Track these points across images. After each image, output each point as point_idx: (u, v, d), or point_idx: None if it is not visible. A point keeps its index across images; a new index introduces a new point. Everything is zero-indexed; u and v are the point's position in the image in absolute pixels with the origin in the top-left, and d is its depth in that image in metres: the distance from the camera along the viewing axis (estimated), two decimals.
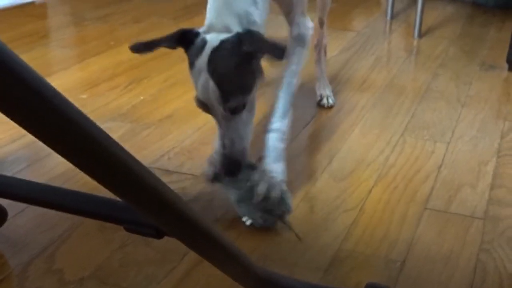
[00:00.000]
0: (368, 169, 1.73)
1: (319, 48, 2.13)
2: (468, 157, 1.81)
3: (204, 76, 1.29)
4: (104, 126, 1.97)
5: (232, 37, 1.31)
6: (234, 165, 1.36)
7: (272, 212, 1.41)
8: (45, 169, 1.69)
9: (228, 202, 1.53)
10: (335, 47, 2.81)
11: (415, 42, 2.99)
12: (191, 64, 1.33)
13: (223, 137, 1.35)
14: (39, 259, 1.34)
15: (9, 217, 1.43)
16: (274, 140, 1.48)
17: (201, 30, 1.36)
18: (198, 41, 1.33)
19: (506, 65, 2.56)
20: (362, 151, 1.83)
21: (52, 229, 1.44)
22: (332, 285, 1.22)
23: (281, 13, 1.64)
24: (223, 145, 1.35)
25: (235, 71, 1.30)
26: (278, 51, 1.24)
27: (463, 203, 1.56)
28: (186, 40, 1.34)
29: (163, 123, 2.03)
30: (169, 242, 1.27)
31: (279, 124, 1.50)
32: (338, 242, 1.40)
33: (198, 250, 0.92)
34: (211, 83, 1.28)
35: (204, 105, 1.35)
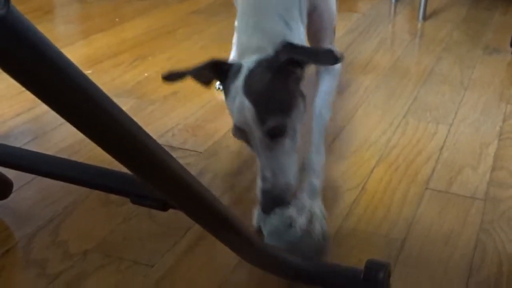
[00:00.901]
0: (370, 149, 1.74)
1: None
2: (470, 139, 1.82)
3: (239, 98, 1.20)
4: None
5: (268, 55, 1.23)
6: (276, 202, 1.21)
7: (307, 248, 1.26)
8: (51, 142, 1.71)
9: (231, 179, 1.55)
10: (339, 28, 2.81)
11: (419, 25, 2.99)
12: (227, 92, 1.25)
13: (263, 169, 1.22)
14: (44, 231, 1.36)
15: (14, 189, 1.45)
16: (311, 178, 1.35)
17: (233, 55, 1.27)
18: (233, 67, 1.24)
19: (510, 49, 2.56)
20: (365, 131, 1.85)
21: (57, 202, 1.45)
22: (333, 262, 1.23)
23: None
24: (264, 178, 1.21)
25: (271, 88, 1.21)
26: (326, 55, 1.18)
27: (464, 184, 1.58)
28: (219, 70, 1.27)
29: (168, 100, 2.04)
30: (173, 217, 1.30)
31: (314, 159, 1.38)
32: (339, 221, 1.41)
33: (202, 223, 0.93)
34: (247, 103, 1.18)
35: (241, 132, 1.23)
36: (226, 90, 1.26)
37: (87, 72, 2.22)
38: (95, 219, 1.40)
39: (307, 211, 1.25)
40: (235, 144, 1.76)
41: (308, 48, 1.22)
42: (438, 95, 2.13)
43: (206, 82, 1.30)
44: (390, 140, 1.80)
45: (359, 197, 1.50)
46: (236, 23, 1.53)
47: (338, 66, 1.51)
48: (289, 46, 1.21)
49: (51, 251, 1.30)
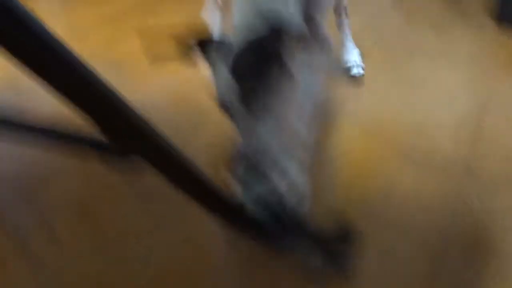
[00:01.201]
0: (349, 119, 1.74)
1: (339, 11, 1.99)
2: (451, 110, 1.82)
3: (227, 77, 1.24)
4: None
5: (259, 36, 1.24)
6: (251, 169, 1.23)
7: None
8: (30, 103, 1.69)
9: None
10: None
11: None
12: (214, 68, 1.28)
13: (244, 146, 1.25)
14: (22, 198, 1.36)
15: None
16: (299, 150, 1.33)
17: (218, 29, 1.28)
18: (224, 45, 1.27)
19: (491, 20, 2.53)
20: (349, 101, 1.84)
21: (36, 169, 1.45)
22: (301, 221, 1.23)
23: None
24: (244, 155, 1.24)
25: (256, 69, 1.24)
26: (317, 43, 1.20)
27: (443, 155, 1.58)
28: (208, 47, 1.29)
29: (149, 74, 2.03)
30: (151, 182, 1.30)
31: (303, 134, 1.36)
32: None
33: (167, 175, 0.94)
34: (233, 83, 1.23)
35: (226, 108, 1.27)
36: (214, 66, 1.28)
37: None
38: (73, 186, 1.40)
39: (291, 180, 1.25)
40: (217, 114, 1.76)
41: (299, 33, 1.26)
42: (421, 70, 2.12)
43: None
44: (370, 111, 1.80)
45: (339, 166, 1.50)
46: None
47: (326, 36, 1.52)
48: (279, 30, 1.23)
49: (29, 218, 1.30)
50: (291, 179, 1.26)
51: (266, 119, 1.25)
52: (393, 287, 1.13)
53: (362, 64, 1.97)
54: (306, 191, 1.28)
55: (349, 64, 1.97)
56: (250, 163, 1.23)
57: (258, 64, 1.24)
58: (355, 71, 1.96)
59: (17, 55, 0.61)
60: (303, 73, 1.45)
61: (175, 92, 1.92)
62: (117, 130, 0.79)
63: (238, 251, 1.24)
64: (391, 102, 1.86)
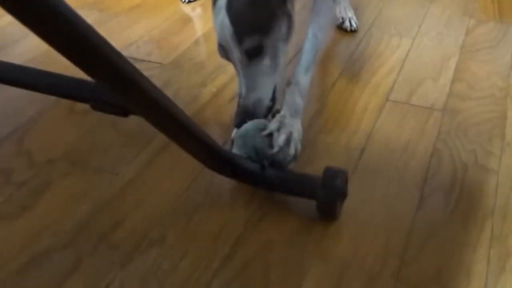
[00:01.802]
0: (333, 62, 1.76)
1: None
2: (432, 52, 1.84)
3: (222, 17, 1.22)
4: None
5: None
6: (247, 116, 1.24)
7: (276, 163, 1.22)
8: (14, 54, 1.69)
9: (195, 91, 1.57)
10: None
11: None
12: (214, 5, 1.27)
13: (240, 86, 1.25)
14: (8, 141, 1.37)
15: None
16: (294, 94, 1.31)
17: None
18: None
19: None
20: (328, 44, 1.85)
21: (21, 112, 1.46)
22: (292, 170, 1.26)
23: None
24: (239, 95, 1.25)
25: (251, 7, 1.22)
26: None
27: (424, 96, 1.61)
28: None
29: (132, 12, 2.02)
30: (137, 126, 1.32)
31: (301, 79, 1.35)
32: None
33: (162, 129, 0.95)
34: (227, 22, 1.21)
35: (223, 50, 1.26)
36: (213, 7, 1.27)
37: None
38: (59, 129, 1.42)
39: (287, 130, 1.23)
40: (199, 56, 1.77)
41: None
42: (403, 9, 2.13)
43: None
44: (352, 54, 1.81)
45: (320, 110, 1.52)
46: None
47: None
48: None
49: (16, 160, 1.31)
50: (290, 130, 1.26)
51: (264, 62, 1.25)
52: (373, 231, 1.16)
53: (355, 19, 1.97)
54: (301, 142, 1.30)
55: (341, 21, 1.96)
56: (243, 109, 1.25)
57: (256, 1, 1.23)
58: (347, 23, 1.95)
59: None
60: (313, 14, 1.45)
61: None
62: (103, 75, 0.79)
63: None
64: (374, 47, 1.87)
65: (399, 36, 1.92)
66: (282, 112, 1.26)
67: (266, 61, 1.25)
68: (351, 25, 1.94)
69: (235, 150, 1.23)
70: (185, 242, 1.11)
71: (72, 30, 0.67)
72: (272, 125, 1.21)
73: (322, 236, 1.14)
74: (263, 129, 1.21)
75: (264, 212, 1.19)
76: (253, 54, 1.23)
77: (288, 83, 1.34)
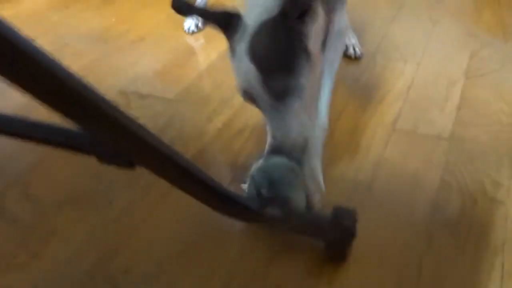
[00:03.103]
0: (339, 91, 1.75)
1: None
2: (437, 77, 1.83)
3: (244, 62, 1.21)
4: (76, 49, 1.97)
5: (274, 14, 1.21)
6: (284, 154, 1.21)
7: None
8: (7, 100, 1.68)
9: (200, 126, 1.57)
10: None
11: None
12: (232, 50, 1.25)
13: (273, 130, 1.22)
14: (15, 185, 1.37)
15: None
16: (316, 138, 1.35)
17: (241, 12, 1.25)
18: (239, 26, 1.23)
19: None
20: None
21: (26, 154, 1.46)
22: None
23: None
24: (274, 137, 1.22)
25: (274, 49, 1.20)
26: None
27: (430, 124, 1.60)
28: (227, 22, 1.25)
29: (137, 45, 2.03)
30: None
31: (320, 121, 1.38)
32: None
33: (170, 181, 0.95)
34: (251, 68, 1.19)
35: (248, 95, 1.24)
36: (232, 48, 1.25)
37: (53, 19, 2.20)
38: (63, 170, 1.42)
39: (318, 185, 1.28)
40: (203, 90, 1.77)
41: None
42: (407, 32, 2.13)
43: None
44: (358, 81, 1.81)
45: (328, 141, 1.51)
46: None
47: (345, 31, 1.55)
48: (297, 7, 1.20)
49: (23, 204, 1.31)
50: (317, 176, 1.29)
51: (292, 101, 1.23)
52: (382, 273, 1.15)
53: (359, 46, 1.97)
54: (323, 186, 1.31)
55: (347, 47, 1.96)
56: (283, 153, 1.22)
57: (278, 44, 1.21)
58: (351, 50, 1.96)
59: None
60: (326, 55, 1.46)
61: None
62: (113, 139, 0.80)
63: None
64: (378, 73, 1.87)
65: (404, 62, 1.92)
66: (312, 165, 1.29)
67: (295, 101, 1.24)
68: (355, 52, 1.94)
69: (250, 183, 1.22)
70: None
71: (69, 91, 0.67)
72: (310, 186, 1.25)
73: (332, 279, 1.13)
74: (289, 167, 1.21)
75: (273, 253, 1.19)
76: (280, 95, 1.22)
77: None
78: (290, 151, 1.21)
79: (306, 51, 1.26)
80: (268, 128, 1.24)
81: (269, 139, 1.24)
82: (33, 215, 1.28)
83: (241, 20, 1.23)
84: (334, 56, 1.49)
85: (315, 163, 1.32)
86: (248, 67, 1.20)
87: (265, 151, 1.24)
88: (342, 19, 1.50)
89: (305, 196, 1.24)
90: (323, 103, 1.41)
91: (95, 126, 0.75)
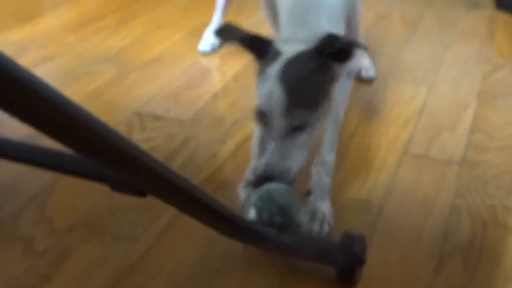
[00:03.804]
0: (350, 113, 1.76)
1: None
2: (449, 100, 1.84)
3: (272, 84, 1.21)
4: (91, 69, 2.00)
5: (310, 49, 1.24)
6: (268, 181, 1.23)
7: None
8: (12, 128, 1.69)
9: (214, 148, 1.58)
10: None
11: None
12: (261, 72, 1.26)
13: (272, 153, 1.23)
14: (29, 206, 1.38)
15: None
16: (321, 175, 1.38)
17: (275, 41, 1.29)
18: (273, 50, 1.26)
19: (490, 4, 2.56)
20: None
21: (41, 175, 1.48)
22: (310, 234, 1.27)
23: None
24: (268, 163, 1.22)
25: (306, 83, 1.23)
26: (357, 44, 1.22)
27: (442, 148, 1.61)
28: (259, 47, 1.28)
29: (151, 66, 2.05)
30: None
31: (327, 158, 1.41)
32: None
33: (179, 208, 0.96)
34: (278, 92, 1.20)
35: (262, 117, 1.25)
36: (260, 70, 1.27)
37: (68, 39, 2.23)
38: (78, 193, 1.43)
39: (320, 214, 1.30)
40: (218, 111, 1.79)
41: (348, 38, 1.25)
42: (418, 55, 2.14)
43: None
44: (369, 104, 1.82)
45: (340, 163, 1.52)
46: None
47: (354, 69, 1.58)
48: (331, 37, 1.22)
49: (37, 226, 1.33)
50: (322, 212, 1.32)
51: (302, 136, 1.25)
52: None
53: (373, 67, 1.99)
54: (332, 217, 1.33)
55: (360, 69, 1.98)
56: (272, 175, 1.23)
57: (310, 78, 1.24)
58: (364, 73, 1.97)
59: None
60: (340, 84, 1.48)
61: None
62: (122, 172, 0.81)
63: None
64: (390, 96, 1.88)
65: (415, 84, 1.93)
66: (312, 197, 1.33)
67: (304, 136, 1.25)
68: (368, 73, 1.95)
69: (250, 212, 1.23)
70: None
71: (72, 122, 0.68)
72: (306, 216, 1.28)
73: None
74: (288, 190, 1.23)
75: (282, 278, 1.20)
76: (296, 127, 1.23)
77: (315, 163, 1.40)
78: (281, 178, 1.22)
79: (329, 93, 1.28)
80: (257, 152, 1.30)
81: (255, 165, 1.28)
82: (47, 238, 1.29)
83: (273, 46, 1.27)
84: (343, 92, 1.52)
85: (323, 195, 1.35)
86: (276, 91, 1.21)
87: (252, 176, 1.26)
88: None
89: (316, 221, 1.27)
90: (327, 143, 1.44)
91: (100, 156, 0.76)
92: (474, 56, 2.13)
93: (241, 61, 2.06)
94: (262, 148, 1.30)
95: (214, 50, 2.15)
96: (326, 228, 1.29)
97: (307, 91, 1.23)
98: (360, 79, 1.95)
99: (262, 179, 1.23)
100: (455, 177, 1.49)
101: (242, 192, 1.36)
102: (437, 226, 1.33)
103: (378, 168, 1.53)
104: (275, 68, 1.23)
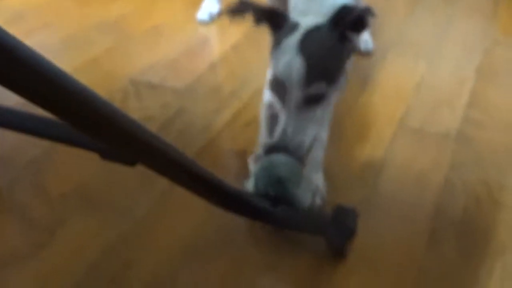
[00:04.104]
0: (348, 87, 1.76)
1: None
2: (449, 75, 1.83)
3: (291, 54, 1.22)
4: (89, 37, 1.98)
5: (327, 21, 1.24)
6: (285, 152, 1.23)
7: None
8: (6, 93, 1.69)
9: (209, 118, 1.58)
10: None
11: None
12: (277, 43, 1.27)
13: (286, 126, 1.23)
14: (25, 175, 1.38)
15: None
16: (317, 150, 1.35)
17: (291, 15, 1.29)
18: (290, 23, 1.26)
19: None
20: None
21: (36, 145, 1.48)
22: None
23: None
24: (283, 134, 1.23)
25: (326, 54, 1.23)
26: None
27: (439, 123, 1.60)
28: (275, 20, 1.28)
29: (150, 34, 2.04)
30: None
31: (321, 133, 1.37)
32: None
33: (170, 178, 0.96)
34: (298, 62, 1.21)
35: (279, 86, 1.25)
36: (277, 39, 1.27)
37: (67, 5, 2.21)
38: (74, 162, 1.43)
39: (313, 187, 1.28)
40: (214, 81, 1.78)
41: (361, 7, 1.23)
42: (421, 30, 2.12)
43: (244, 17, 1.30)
44: (369, 77, 1.81)
45: (335, 137, 1.52)
46: None
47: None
48: (347, 8, 1.22)
49: (32, 195, 1.33)
50: (315, 185, 1.30)
51: (318, 110, 1.26)
52: (383, 271, 1.16)
53: (371, 41, 1.97)
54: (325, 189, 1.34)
55: (360, 41, 1.96)
56: (285, 149, 1.23)
57: (330, 51, 1.24)
58: (363, 45, 1.95)
59: None
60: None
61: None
62: (113, 141, 0.80)
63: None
64: (389, 70, 1.87)
65: (415, 59, 1.92)
66: (306, 169, 1.29)
67: (319, 109, 1.26)
68: (366, 46, 1.94)
69: (249, 181, 1.24)
70: (197, 283, 1.12)
71: (65, 93, 0.67)
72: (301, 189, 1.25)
73: (331, 277, 1.14)
74: (294, 165, 1.22)
75: (275, 249, 1.20)
76: (311, 98, 1.24)
77: None
78: (294, 151, 1.22)
79: (345, 67, 1.29)
80: (268, 124, 1.27)
81: (266, 135, 1.27)
82: (41, 207, 1.29)
83: (289, 18, 1.27)
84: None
85: (316, 168, 1.33)
86: (295, 62, 1.22)
87: (263, 147, 1.25)
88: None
89: (309, 194, 1.26)
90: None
91: (93, 128, 0.76)
92: (476, 32, 2.11)
93: (240, 31, 2.05)
94: (273, 119, 1.29)
95: (212, 19, 2.13)
96: (318, 201, 1.28)
97: (326, 63, 1.24)
98: (359, 53, 1.93)
99: (274, 149, 1.23)
100: (450, 152, 1.49)
101: (251, 165, 1.35)
102: (430, 201, 1.33)
103: (373, 141, 1.52)
104: (294, 39, 1.23)
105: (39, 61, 0.62)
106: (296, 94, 1.23)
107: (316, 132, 1.27)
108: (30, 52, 0.61)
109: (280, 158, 1.21)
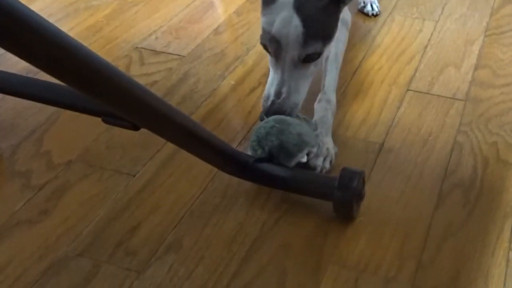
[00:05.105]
0: (354, 49, 1.73)
1: None
2: (455, 36, 1.80)
3: (288, 12, 1.21)
4: (91, 3, 1.96)
5: None
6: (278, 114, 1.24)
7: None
8: (11, 61, 1.66)
9: (213, 83, 1.57)
10: None
11: None
12: (270, 0, 1.25)
13: (281, 84, 1.24)
14: (28, 142, 1.38)
15: None
16: (327, 113, 1.35)
17: None
18: None
19: None
20: (350, 30, 1.83)
21: (40, 111, 1.46)
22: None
23: None
24: (278, 93, 1.24)
25: (323, 14, 1.23)
26: None
27: (446, 85, 1.58)
28: None
29: (151, 0, 2.01)
30: None
31: (331, 97, 1.39)
32: None
33: (175, 142, 0.95)
34: (296, 20, 1.20)
35: (274, 44, 1.24)
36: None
37: None
38: (77, 128, 1.42)
39: (324, 149, 1.27)
40: (218, 46, 1.76)
41: None
42: None
43: None
44: (374, 39, 1.79)
45: (341, 100, 1.50)
46: None
47: (350, 20, 1.57)
48: None
49: (35, 161, 1.32)
50: (327, 147, 1.29)
51: (312, 68, 1.27)
52: (390, 232, 1.15)
53: (377, 3, 1.94)
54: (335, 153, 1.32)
55: (362, 5, 1.94)
56: (279, 108, 1.24)
57: (325, 4, 1.24)
58: (369, 7, 1.92)
59: None
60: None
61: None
62: (116, 104, 0.80)
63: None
64: (395, 31, 1.84)
65: (422, 20, 1.89)
66: (318, 131, 1.29)
67: (313, 67, 1.27)
68: (372, 9, 1.91)
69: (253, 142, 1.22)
70: (201, 247, 1.12)
71: (68, 56, 0.66)
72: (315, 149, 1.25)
73: (338, 239, 1.13)
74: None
75: (280, 213, 1.19)
76: (307, 56, 1.24)
77: (319, 100, 1.37)
78: (290, 112, 1.24)
79: (337, 26, 1.29)
80: (273, 79, 1.26)
81: (271, 91, 1.26)
82: (45, 172, 1.29)
83: None
84: (341, 37, 1.48)
85: (327, 131, 1.32)
86: (293, 20, 1.21)
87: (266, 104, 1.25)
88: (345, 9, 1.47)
89: (320, 158, 1.25)
90: (331, 82, 1.42)
91: (95, 91, 0.75)
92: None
93: None
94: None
95: None
96: (327, 165, 1.27)
97: (322, 21, 1.23)
98: (366, 15, 1.91)
99: (269, 113, 1.24)
100: (458, 114, 1.47)
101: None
102: (438, 163, 1.32)
103: (380, 104, 1.51)
104: None
105: (43, 23, 0.61)
106: (292, 53, 1.22)
107: (307, 86, 1.28)
108: (33, 14, 0.59)
109: (282, 119, 1.20)
